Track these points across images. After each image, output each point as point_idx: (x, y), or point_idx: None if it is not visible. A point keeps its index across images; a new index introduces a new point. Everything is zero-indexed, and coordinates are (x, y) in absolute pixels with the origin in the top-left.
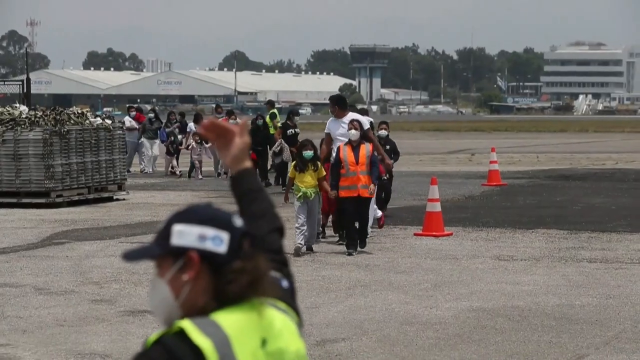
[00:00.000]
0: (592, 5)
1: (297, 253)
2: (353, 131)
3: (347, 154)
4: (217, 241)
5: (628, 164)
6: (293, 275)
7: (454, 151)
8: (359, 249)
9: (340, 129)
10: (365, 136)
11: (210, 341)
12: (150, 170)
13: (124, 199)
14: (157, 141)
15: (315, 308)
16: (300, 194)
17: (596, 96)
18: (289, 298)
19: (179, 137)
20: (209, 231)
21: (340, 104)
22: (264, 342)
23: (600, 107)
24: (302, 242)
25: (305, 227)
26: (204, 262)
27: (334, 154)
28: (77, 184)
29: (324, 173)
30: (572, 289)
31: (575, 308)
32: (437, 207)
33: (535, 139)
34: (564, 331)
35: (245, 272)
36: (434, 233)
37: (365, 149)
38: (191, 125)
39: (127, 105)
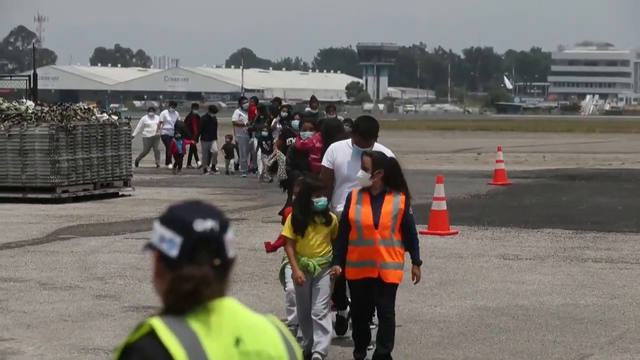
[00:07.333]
0: (600, 6)
1: None
2: (360, 173)
3: (360, 208)
4: (170, 244)
5: (634, 165)
6: None
7: (460, 150)
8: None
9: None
10: (394, 179)
11: (178, 341)
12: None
13: (129, 195)
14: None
15: None
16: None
17: (603, 96)
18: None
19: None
20: (167, 233)
21: (372, 133)
22: (237, 341)
23: (607, 107)
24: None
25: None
26: (162, 262)
27: (337, 206)
28: (82, 179)
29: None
30: (577, 288)
31: (580, 307)
32: (442, 205)
33: (541, 139)
34: (568, 330)
35: (190, 279)
36: (439, 232)
37: (393, 203)
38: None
39: (240, 97)
